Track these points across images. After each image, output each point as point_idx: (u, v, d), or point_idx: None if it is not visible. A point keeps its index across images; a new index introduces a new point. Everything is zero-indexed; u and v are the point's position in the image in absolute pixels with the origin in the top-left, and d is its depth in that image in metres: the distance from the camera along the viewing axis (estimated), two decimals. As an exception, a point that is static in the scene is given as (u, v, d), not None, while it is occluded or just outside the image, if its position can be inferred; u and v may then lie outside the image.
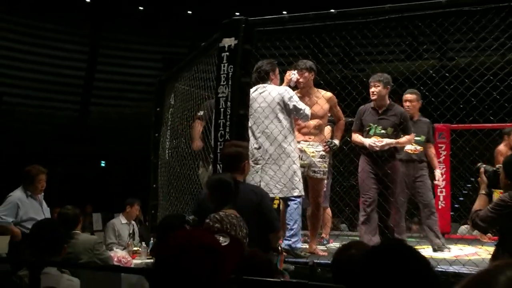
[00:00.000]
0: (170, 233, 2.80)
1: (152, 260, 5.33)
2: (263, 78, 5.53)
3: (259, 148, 5.33)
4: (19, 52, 20.29)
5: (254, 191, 4.22)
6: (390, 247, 1.42)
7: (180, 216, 4.26)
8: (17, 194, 6.07)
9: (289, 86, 5.76)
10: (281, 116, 5.41)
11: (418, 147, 6.56)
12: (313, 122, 5.86)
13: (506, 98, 4.98)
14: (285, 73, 5.92)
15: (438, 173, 7.08)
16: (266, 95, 5.39)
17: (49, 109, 20.32)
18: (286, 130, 5.41)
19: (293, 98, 5.47)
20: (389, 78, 5.96)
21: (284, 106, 5.42)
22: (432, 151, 6.88)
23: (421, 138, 6.57)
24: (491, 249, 4.07)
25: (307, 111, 5.49)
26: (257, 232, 4.00)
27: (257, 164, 5.29)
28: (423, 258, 1.35)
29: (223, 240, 1.90)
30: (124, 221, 8.05)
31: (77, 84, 21.33)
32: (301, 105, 5.47)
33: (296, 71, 5.83)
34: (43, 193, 6.28)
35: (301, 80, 5.82)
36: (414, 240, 7.38)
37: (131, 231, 7.95)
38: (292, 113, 5.47)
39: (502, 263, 0.61)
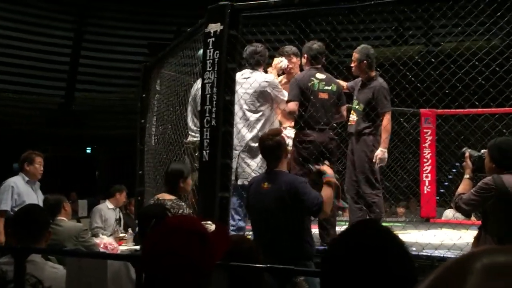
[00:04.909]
0: (153, 220, 2.80)
1: (137, 247, 5.34)
2: (256, 63, 5.53)
3: (238, 134, 5.32)
4: (3, 38, 20.07)
5: (288, 183, 4.05)
6: (362, 226, 1.41)
7: (161, 204, 4.29)
8: (14, 179, 6.19)
9: (281, 73, 5.78)
10: (263, 104, 5.41)
11: (355, 118, 5.71)
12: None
13: (491, 83, 5.01)
14: (272, 59, 5.91)
15: (379, 152, 5.49)
16: (251, 81, 5.38)
17: (34, 95, 20.15)
18: (266, 119, 5.42)
19: (278, 88, 5.47)
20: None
21: (268, 95, 5.41)
22: (384, 123, 5.53)
23: (359, 107, 5.69)
24: (476, 233, 4.11)
25: (285, 96, 5.49)
26: (294, 225, 4.00)
27: (235, 150, 5.28)
28: (397, 238, 1.34)
29: (209, 227, 1.91)
30: (111, 206, 8.07)
31: (62, 70, 21.15)
32: (283, 94, 5.47)
33: (284, 57, 5.83)
34: (39, 183, 6.37)
35: (290, 65, 5.83)
36: (400, 224, 7.43)
37: (117, 217, 7.97)
38: (275, 102, 5.49)
39: (478, 250, 0.61)
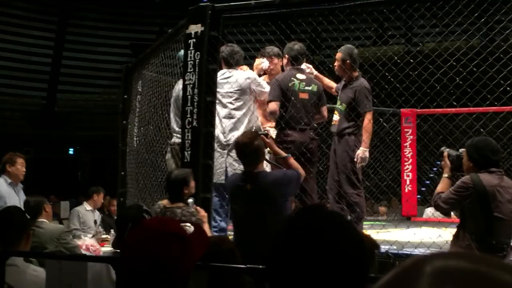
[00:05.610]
0: (129, 224, 2.80)
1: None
2: (236, 63, 5.56)
3: (225, 133, 5.34)
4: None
5: (272, 182, 4.09)
6: (307, 212, 1.32)
7: (138, 206, 4.27)
8: None
9: (263, 73, 5.80)
10: (247, 101, 5.44)
11: (337, 118, 5.73)
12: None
13: (468, 83, 5.07)
14: (253, 60, 5.93)
15: (360, 151, 5.51)
16: (233, 80, 5.40)
17: (16, 96, 20.00)
18: (251, 115, 5.45)
19: (261, 84, 5.51)
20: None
21: (251, 92, 5.45)
22: (364, 122, 5.52)
23: (342, 106, 5.68)
24: (455, 231, 4.17)
25: (267, 89, 5.51)
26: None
27: (223, 149, 5.31)
28: (344, 222, 1.26)
29: (188, 229, 1.92)
30: (89, 208, 8.05)
31: (44, 71, 21.01)
32: (266, 88, 5.50)
33: (265, 58, 5.85)
34: (22, 185, 6.32)
35: (271, 66, 5.85)
36: (380, 223, 7.48)
37: (96, 218, 7.96)
38: (258, 98, 5.53)
39: (433, 253, 0.63)
